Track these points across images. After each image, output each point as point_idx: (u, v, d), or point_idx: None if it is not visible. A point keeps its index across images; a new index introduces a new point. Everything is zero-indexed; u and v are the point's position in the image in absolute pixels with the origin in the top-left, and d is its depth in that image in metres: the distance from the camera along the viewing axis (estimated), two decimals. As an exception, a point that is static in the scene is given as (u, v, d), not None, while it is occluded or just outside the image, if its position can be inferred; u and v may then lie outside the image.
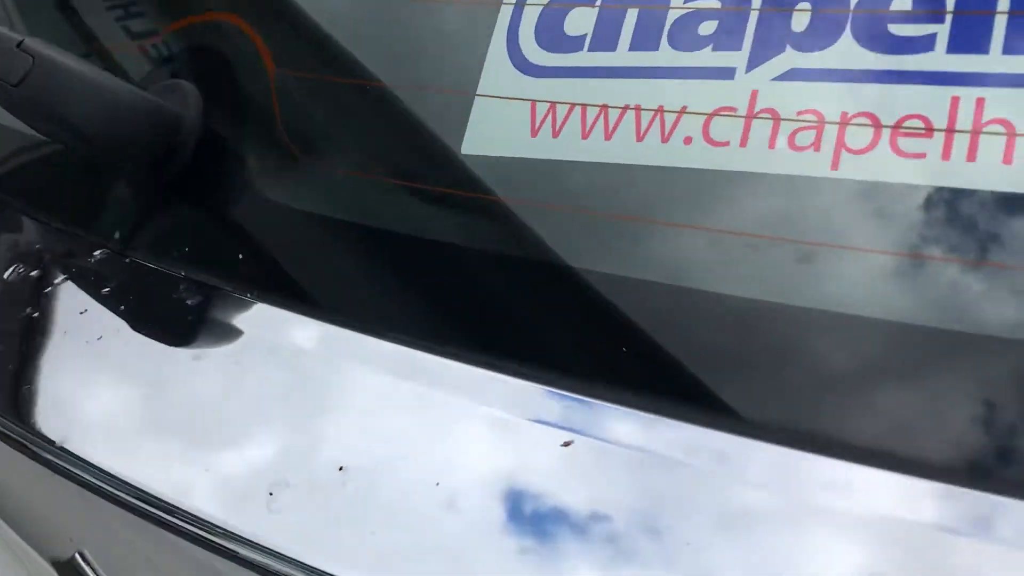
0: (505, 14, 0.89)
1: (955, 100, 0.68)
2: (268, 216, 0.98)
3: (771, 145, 0.73)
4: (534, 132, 0.84)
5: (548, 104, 0.84)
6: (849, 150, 0.71)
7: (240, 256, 0.96)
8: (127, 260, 1.02)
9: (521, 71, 0.87)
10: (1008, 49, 0.68)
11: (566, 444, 0.70)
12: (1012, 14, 0.68)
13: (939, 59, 0.69)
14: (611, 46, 0.82)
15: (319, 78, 0.98)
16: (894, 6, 0.72)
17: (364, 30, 0.96)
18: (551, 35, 0.86)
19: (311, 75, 0.98)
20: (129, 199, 1.05)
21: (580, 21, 0.85)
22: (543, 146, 0.83)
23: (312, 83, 0.98)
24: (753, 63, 0.76)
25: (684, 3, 0.80)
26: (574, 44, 0.84)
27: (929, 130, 0.69)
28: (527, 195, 0.84)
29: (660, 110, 0.79)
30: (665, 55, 0.80)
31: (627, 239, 0.78)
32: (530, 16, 0.88)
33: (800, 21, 0.76)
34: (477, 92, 0.88)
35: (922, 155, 0.69)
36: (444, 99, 0.90)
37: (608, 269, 0.78)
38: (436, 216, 0.89)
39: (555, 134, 0.83)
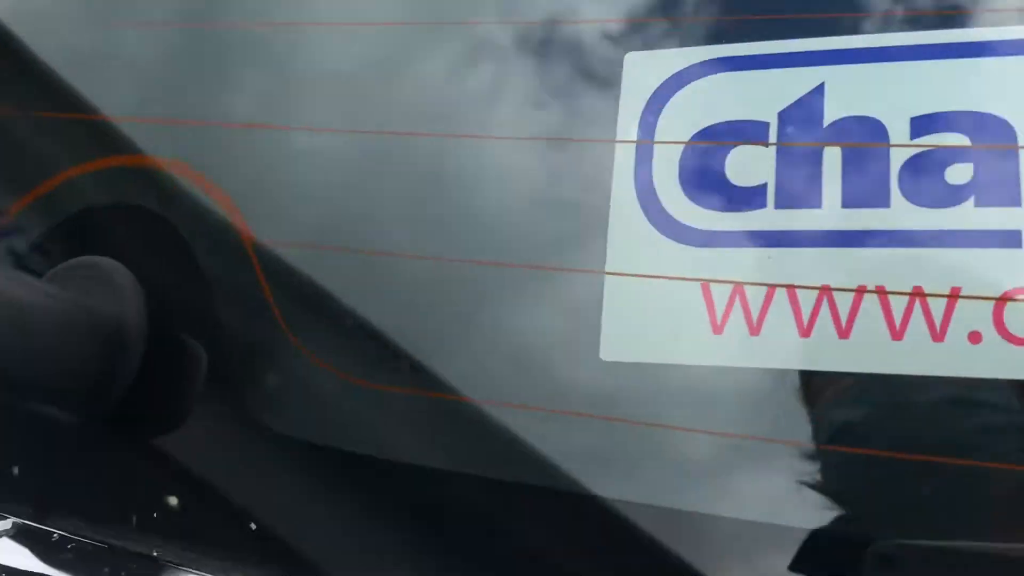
0: (625, 156, 0.64)
1: None
2: (278, 459, 0.68)
3: (1112, 343, 0.53)
4: (717, 327, 0.60)
5: (732, 286, 0.60)
6: None
7: (253, 526, 0.66)
8: (55, 537, 0.69)
9: (672, 237, 0.62)
10: None
11: None
12: None
13: None
14: (811, 200, 0.60)
15: (340, 251, 0.69)
16: None
17: (413, 180, 0.68)
18: (709, 186, 0.62)
19: (322, 247, 0.69)
20: (49, 446, 0.72)
21: (751, 166, 0.62)
22: (736, 348, 0.59)
23: (328, 258, 0.69)
24: (1048, 223, 0.56)
25: (912, 138, 0.59)
26: (749, 199, 0.61)
27: None
28: (717, 422, 0.60)
29: (919, 293, 0.57)
30: (902, 213, 0.58)
31: (900, 487, 0.56)
32: (665, 159, 0.63)
33: (1100, 162, 0.56)
34: (606, 268, 0.63)
35: None
36: (549, 279, 0.64)
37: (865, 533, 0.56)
38: (559, 458, 0.62)
39: (754, 330, 0.59)
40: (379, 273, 0.67)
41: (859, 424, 0.57)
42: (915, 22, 0.60)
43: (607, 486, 0.60)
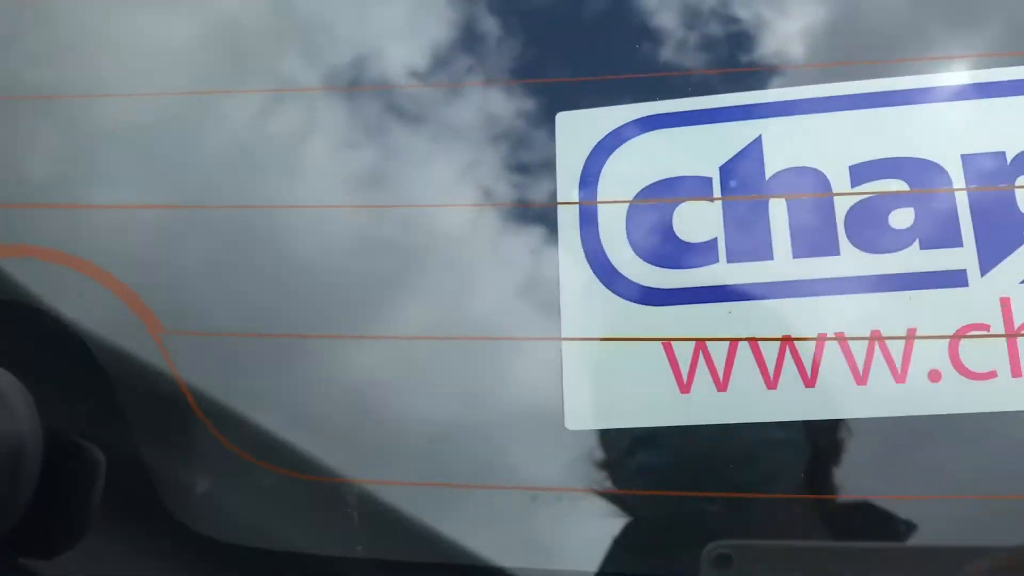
0: (568, 218, 0.63)
1: None
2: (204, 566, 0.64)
3: (1060, 371, 0.56)
4: (684, 386, 0.59)
5: (693, 343, 0.60)
6: None
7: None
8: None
9: (626, 298, 0.62)
10: None
11: None
12: None
13: None
14: (762, 253, 0.61)
15: (270, 338, 0.65)
16: None
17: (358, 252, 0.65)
18: (658, 243, 0.62)
19: (253, 334, 0.65)
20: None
21: (698, 222, 0.62)
22: (706, 406, 0.59)
23: (260, 346, 0.65)
24: (988, 261, 0.58)
25: (852, 186, 0.61)
26: (701, 254, 0.61)
27: None
28: (695, 482, 0.60)
29: (876, 337, 0.58)
30: (852, 260, 0.60)
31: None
32: (611, 218, 0.63)
33: (1030, 200, 0.59)
34: (562, 335, 0.62)
35: None
36: (499, 349, 0.63)
37: None
38: (525, 545, 0.61)
39: (722, 386, 0.59)
40: (332, 361, 0.64)
41: (831, 469, 0.58)
42: (847, 73, 0.62)
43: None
